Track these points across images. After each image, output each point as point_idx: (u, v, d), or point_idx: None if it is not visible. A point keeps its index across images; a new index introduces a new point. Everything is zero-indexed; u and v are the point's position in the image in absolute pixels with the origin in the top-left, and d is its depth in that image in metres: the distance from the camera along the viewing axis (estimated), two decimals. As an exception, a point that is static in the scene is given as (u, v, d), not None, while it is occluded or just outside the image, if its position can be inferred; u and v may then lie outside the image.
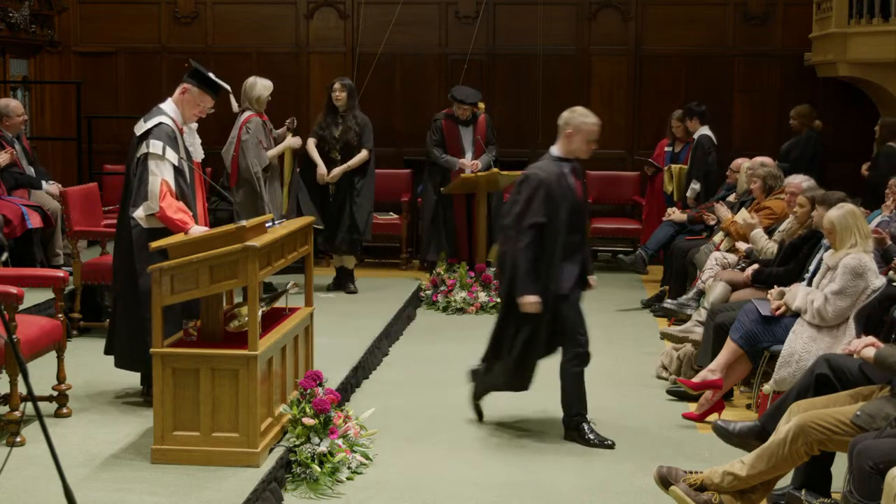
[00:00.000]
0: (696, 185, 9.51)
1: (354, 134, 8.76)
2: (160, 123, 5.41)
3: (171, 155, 5.38)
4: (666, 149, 10.12)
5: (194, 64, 5.64)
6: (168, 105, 5.55)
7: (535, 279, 5.40)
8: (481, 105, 9.58)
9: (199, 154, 5.77)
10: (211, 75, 5.59)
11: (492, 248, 9.14)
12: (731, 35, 11.05)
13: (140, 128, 5.45)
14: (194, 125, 5.74)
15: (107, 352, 5.78)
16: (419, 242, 10.19)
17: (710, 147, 9.50)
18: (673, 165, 9.95)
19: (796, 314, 5.72)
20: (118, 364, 5.71)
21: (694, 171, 9.52)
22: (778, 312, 5.79)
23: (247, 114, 8.15)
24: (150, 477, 4.54)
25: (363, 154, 8.82)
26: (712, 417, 5.86)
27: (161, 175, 5.31)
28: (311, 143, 8.86)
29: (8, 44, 10.18)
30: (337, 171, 8.74)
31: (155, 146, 5.32)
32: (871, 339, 4.39)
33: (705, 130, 9.60)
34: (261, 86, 8.16)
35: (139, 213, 5.35)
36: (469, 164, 9.29)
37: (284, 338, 5.13)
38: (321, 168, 8.76)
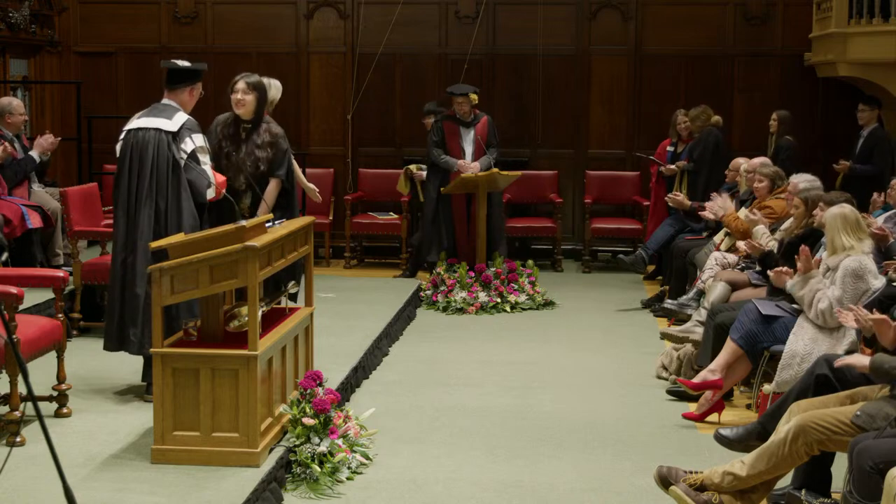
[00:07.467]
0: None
1: (260, 158, 6.19)
2: (188, 118, 5.73)
3: (208, 145, 5.86)
4: (668, 148, 9.97)
5: (179, 63, 5.82)
6: (175, 105, 5.75)
7: None
8: (473, 96, 9.35)
9: None
10: (191, 64, 5.91)
11: (494, 254, 9.15)
12: (731, 35, 11.05)
13: (163, 124, 5.62)
14: None
15: (138, 350, 5.62)
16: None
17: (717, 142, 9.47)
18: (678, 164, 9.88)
19: (795, 314, 5.72)
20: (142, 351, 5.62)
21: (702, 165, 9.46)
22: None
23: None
24: (150, 477, 4.54)
25: (272, 186, 6.24)
26: (712, 417, 5.87)
27: (209, 163, 5.78)
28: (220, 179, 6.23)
29: (8, 44, 10.18)
30: (255, 220, 5.11)
31: (199, 139, 5.71)
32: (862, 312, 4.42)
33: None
34: (275, 88, 6.93)
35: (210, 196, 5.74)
36: (469, 165, 9.23)
37: (284, 338, 5.13)
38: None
